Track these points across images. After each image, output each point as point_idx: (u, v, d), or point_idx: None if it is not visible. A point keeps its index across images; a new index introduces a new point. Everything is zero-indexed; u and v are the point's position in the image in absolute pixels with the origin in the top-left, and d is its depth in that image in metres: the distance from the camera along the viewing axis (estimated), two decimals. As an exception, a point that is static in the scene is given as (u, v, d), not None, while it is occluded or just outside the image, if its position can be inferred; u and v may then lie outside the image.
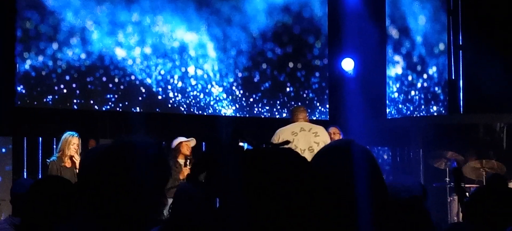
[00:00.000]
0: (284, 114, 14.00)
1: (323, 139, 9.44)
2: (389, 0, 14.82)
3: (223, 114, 13.64)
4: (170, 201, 4.30)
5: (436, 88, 15.13)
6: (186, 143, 10.52)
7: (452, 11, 14.85)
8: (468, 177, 11.52)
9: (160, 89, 13.14)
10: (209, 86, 13.58)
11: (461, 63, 14.77)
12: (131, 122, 12.42)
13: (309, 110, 14.18)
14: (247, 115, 13.86)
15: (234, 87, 13.77)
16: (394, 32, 14.91)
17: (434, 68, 15.11)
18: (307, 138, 9.49)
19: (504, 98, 13.49)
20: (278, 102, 14.09)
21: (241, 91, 13.85)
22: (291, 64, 14.18)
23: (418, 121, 14.21)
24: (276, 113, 14.07)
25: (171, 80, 13.25)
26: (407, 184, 4.52)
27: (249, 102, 13.89)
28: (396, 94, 14.97)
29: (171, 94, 13.25)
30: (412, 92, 15.05)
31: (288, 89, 14.16)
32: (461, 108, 14.68)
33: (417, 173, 13.11)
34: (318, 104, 14.37)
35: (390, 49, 14.94)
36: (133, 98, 12.90)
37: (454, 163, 11.92)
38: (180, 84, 13.31)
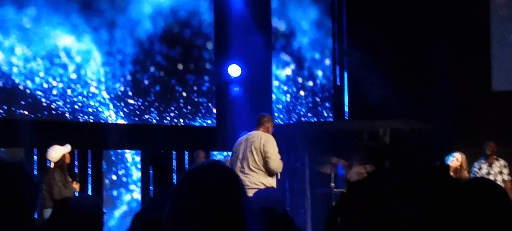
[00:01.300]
0: (175, 121, 13.89)
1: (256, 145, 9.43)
2: (275, 6, 14.88)
3: (110, 122, 13.39)
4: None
5: (322, 94, 15.30)
6: (67, 154, 10.26)
7: (336, 17, 15.04)
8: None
9: (42, 94, 12.75)
10: (95, 91, 13.29)
11: (346, 70, 14.98)
12: (13, 128, 12.03)
13: (197, 117, 14.12)
14: (137, 121, 13.65)
15: (120, 93, 13.53)
16: (280, 39, 14.99)
17: (320, 74, 15.28)
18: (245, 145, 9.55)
19: (388, 104, 13.78)
20: (168, 108, 13.96)
21: (129, 97, 13.63)
22: (179, 73, 14.07)
23: (303, 126, 14.33)
24: (166, 119, 13.93)
25: (55, 85, 12.89)
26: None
27: (136, 108, 13.69)
28: (284, 98, 15.06)
29: (54, 100, 12.89)
30: (299, 98, 15.17)
31: (177, 95, 14.04)
32: (346, 114, 14.89)
33: (303, 178, 13.20)
34: (206, 110, 14.31)
35: (277, 56, 15.01)
36: (13, 103, 12.47)
37: (340, 168, 12.10)
38: (64, 89, 12.97)
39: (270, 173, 9.42)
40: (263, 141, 9.49)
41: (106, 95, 13.39)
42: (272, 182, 9.41)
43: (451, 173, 11.05)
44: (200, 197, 2.25)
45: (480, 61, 13.84)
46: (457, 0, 13.79)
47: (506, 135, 13.23)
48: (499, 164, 11.82)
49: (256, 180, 9.28)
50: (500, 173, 11.76)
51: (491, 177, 11.70)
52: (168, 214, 2.24)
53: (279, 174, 9.78)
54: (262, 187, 9.03)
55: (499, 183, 11.45)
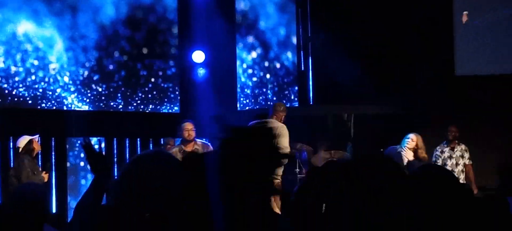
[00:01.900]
0: (142, 107, 13.84)
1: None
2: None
3: (74, 108, 13.29)
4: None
5: (288, 80, 15.31)
6: (35, 141, 10.21)
7: (301, 3, 15.05)
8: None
9: (4, 81, 12.61)
10: (58, 77, 13.17)
11: (310, 55, 15.00)
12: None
13: (163, 103, 14.06)
14: (102, 107, 13.57)
15: (84, 79, 13.43)
16: (244, 24, 14.96)
17: (286, 59, 15.29)
18: None
19: (352, 89, 13.83)
20: (134, 94, 13.89)
21: (93, 83, 13.53)
22: (144, 58, 14.00)
23: (268, 111, 14.32)
24: (131, 106, 13.86)
25: (17, 71, 12.76)
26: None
27: (101, 94, 13.60)
28: (250, 83, 15.05)
29: (16, 87, 12.76)
30: (265, 83, 15.17)
31: (143, 80, 13.98)
32: (311, 100, 14.92)
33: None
34: (173, 96, 14.26)
35: (241, 42, 15.00)
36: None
37: (304, 153, 12.12)
38: (26, 76, 12.84)
39: None
40: (278, 132, 9.62)
41: (69, 82, 13.28)
42: (280, 172, 9.40)
43: (411, 154, 11.18)
44: (146, 182, 2.30)
45: (444, 47, 13.93)
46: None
47: (468, 118, 13.37)
48: (460, 148, 11.96)
49: None
50: (462, 157, 11.89)
51: (453, 161, 11.85)
52: (115, 200, 2.29)
53: None
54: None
55: (460, 166, 11.62)
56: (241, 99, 14.88)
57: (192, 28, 13.79)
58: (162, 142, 12.65)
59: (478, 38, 13.88)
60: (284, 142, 9.65)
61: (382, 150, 11.83)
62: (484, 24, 13.88)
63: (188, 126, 10.60)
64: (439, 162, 11.85)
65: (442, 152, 12.01)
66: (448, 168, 11.50)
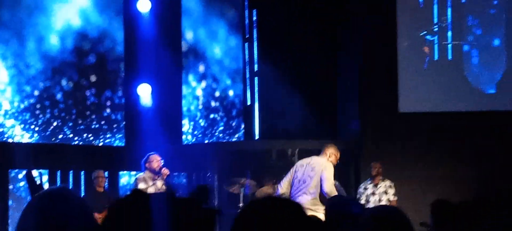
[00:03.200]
0: (89, 138, 13.75)
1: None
2: (186, 26, 14.87)
3: (17, 140, 13.15)
4: None
5: (235, 114, 15.36)
6: None
7: (247, 38, 15.15)
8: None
9: None
10: (1, 108, 13.04)
11: (256, 90, 15.08)
12: None
13: (109, 134, 13.99)
14: (46, 141, 13.44)
15: (28, 109, 13.31)
16: (191, 59, 14.99)
17: (232, 95, 15.34)
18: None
19: (297, 125, 13.93)
20: (79, 126, 13.80)
21: (38, 113, 13.42)
22: (90, 90, 13.94)
23: (213, 146, 14.36)
24: (76, 137, 13.77)
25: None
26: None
27: (45, 127, 13.49)
28: (195, 119, 15.06)
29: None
30: (212, 117, 15.18)
31: (87, 113, 13.90)
32: (257, 135, 14.98)
33: (212, 198, 13.20)
34: (115, 130, 14.20)
35: (188, 76, 15.02)
36: None
37: (248, 188, 12.15)
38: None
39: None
40: (323, 167, 10.13)
41: (12, 112, 13.15)
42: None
43: None
44: (45, 221, 2.29)
45: (388, 84, 14.11)
46: (367, 27, 14.03)
47: (411, 154, 13.54)
48: (384, 184, 12.11)
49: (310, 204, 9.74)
50: (385, 192, 12.02)
51: (376, 197, 12.02)
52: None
53: None
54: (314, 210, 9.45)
55: (384, 202, 11.78)
56: (189, 131, 14.88)
57: (139, 63, 13.79)
58: (93, 175, 12.42)
59: (420, 76, 14.11)
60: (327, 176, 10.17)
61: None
62: (427, 63, 14.14)
63: (158, 157, 10.61)
64: (362, 199, 12.05)
65: (365, 188, 12.20)
66: (371, 204, 11.68)
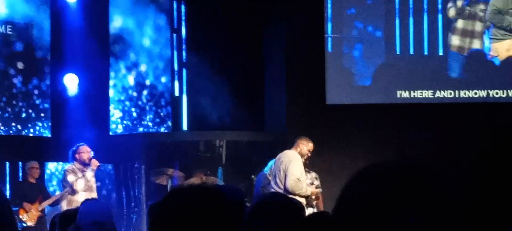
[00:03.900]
0: (11, 131, 13.56)
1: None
2: (114, 14, 14.72)
3: None
4: None
5: (162, 105, 15.30)
6: None
7: (176, 29, 15.13)
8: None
9: None
10: None
11: (184, 81, 15.08)
12: None
13: (36, 124, 13.81)
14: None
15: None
16: (120, 48, 14.87)
17: (161, 85, 15.27)
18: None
19: (225, 116, 13.99)
20: (5, 115, 13.58)
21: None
22: (15, 80, 13.73)
23: (141, 137, 14.30)
24: (2, 127, 13.55)
25: None
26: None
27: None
28: (122, 111, 14.96)
29: None
30: (140, 108, 15.10)
31: (14, 102, 13.69)
32: (185, 126, 14.98)
33: (139, 190, 13.19)
34: (42, 120, 14.02)
35: (116, 65, 14.90)
36: None
37: (175, 179, 12.16)
38: None
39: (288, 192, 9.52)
40: (288, 160, 9.98)
41: None
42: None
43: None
44: None
45: (315, 76, 14.24)
46: (294, 17, 14.13)
47: (337, 146, 13.72)
48: (310, 176, 12.19)
49: None
50: (311, 184, 12.11)
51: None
52: None
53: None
54: None
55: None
56: (118, 121, 14.79)
57: (65, 52, 13.65)
58: (27, 166, 12.31)
59: (347, 68, 14.29)
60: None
61: (253, 176, 12.00)
62: (354, 54, 14.33)
63: (88, 148, 10.57)
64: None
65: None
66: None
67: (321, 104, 14.26)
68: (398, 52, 14.24)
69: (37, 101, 13.99)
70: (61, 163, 13.40)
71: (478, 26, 14.25)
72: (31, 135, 13.93)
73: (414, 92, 14.27)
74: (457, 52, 14.25)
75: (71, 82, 13.83)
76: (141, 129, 14.88)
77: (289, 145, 10.73)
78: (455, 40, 14.24)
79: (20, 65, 13.76)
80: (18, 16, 13.70)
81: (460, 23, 14.24)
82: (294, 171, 9.95)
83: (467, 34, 14.26)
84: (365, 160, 13.47)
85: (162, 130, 15.11)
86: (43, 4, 13.90)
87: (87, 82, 13.95)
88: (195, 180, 12.12)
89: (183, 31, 15.06)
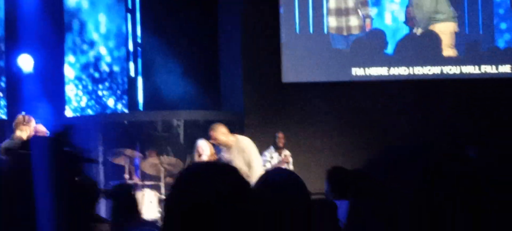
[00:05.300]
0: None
1: None
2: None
3: None
4: None
5: (118, 85, 15.21)
6: None
7: (130, 9, 15.02)
8: (148, 173, 11.80)
9: None
10: None
11: (140, 61, 15.00)
12: None
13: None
14: None
15: None
16: (73, 30, 14.72)
17: (116, 65, 15.17)
18: None
19: (182, 95, 13.95)
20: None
21: None
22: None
23: (97, 118, 14.19)
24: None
25: None
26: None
27: None
28: (78, 92, 14.84)
29: None
30: (96, 89, 14.99)
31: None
32: (141, 106, 14.91)
33: (97, 171, 13.09)
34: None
35: (70, 47, 14.75)
36: None
37: (136, 159, 12.11)
38: None
39: None
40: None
41: None
42: None
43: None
44: None
45: (271, 54, 14.28)
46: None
47: (294, 124, 13.80)
48: (284, 154, 12.36)
49: None
50: (287, 162, 12.26)
51: (283, 167, 12.21)
52: None
53: None
54: None
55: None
56: (75, 105, 14.65)
57: (19, 33, 13.45)
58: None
59: (303, 47, 14.33)
60: None
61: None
62: (309, 34, 14.38)
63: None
64: (267, 166, 12.17)
65: (271, 157, 12.36)
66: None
67: (277, 83, 14.31)
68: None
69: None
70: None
71: (351, 3, 14.33)
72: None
73: (369, 69, 14.40)
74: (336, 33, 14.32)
75: (25, 63, 13.63)
76: (98, 110, 14.78)
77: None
78: (332, 22, 14.30)
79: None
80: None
81: (332, 3, 14.30)
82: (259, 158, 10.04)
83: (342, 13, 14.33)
84: (321, 137, 13.62)
85: (119, 107, 15.02)
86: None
87: (42, 62, 13.77)
88: (152, 160, 12.06)
89: (138, 11, 14.95)
